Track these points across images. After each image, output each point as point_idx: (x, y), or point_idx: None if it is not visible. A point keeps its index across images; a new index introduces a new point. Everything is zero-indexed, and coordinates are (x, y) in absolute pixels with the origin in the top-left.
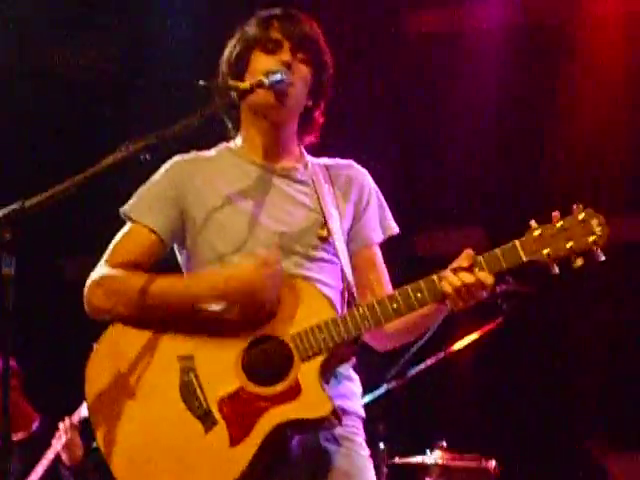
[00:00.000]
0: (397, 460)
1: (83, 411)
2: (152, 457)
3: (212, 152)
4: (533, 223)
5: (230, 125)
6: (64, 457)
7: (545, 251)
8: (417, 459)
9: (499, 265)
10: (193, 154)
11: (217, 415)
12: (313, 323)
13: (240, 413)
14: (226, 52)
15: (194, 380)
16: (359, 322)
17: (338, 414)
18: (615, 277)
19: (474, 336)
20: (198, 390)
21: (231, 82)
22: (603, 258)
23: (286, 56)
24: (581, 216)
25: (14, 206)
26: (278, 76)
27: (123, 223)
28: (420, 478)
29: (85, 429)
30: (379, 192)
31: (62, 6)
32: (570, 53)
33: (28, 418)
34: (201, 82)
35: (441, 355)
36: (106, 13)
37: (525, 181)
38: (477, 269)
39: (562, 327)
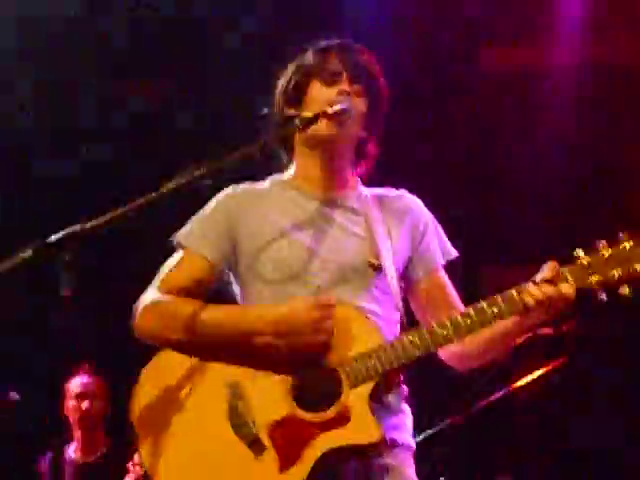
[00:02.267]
0: None
1: None
2: (197, 478)
3: (265, 184)
4: (580, 252)
5: (284, 157)
6: None
7: (593, 279)
8: None
9: None
10: (246, 185)
11: (266, 441)
12: (362, 350)
13: (289, 439)
14: (281, 82)
15: (243, 406)
16: (408, 349)
17: (387, 441)
18: None
19: (538, 373)
20: (247, 416)
21: (292, 111)
22: None
23: (345, 86)
24: (628, 245)
25: (75, 227)
26: (343, 106)
27: (170, 251)
28: None
29: None
30: (433, 217)
31: None
32: None
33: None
34: (265, 110)
35: (504, 391)
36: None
37: (597, 223)
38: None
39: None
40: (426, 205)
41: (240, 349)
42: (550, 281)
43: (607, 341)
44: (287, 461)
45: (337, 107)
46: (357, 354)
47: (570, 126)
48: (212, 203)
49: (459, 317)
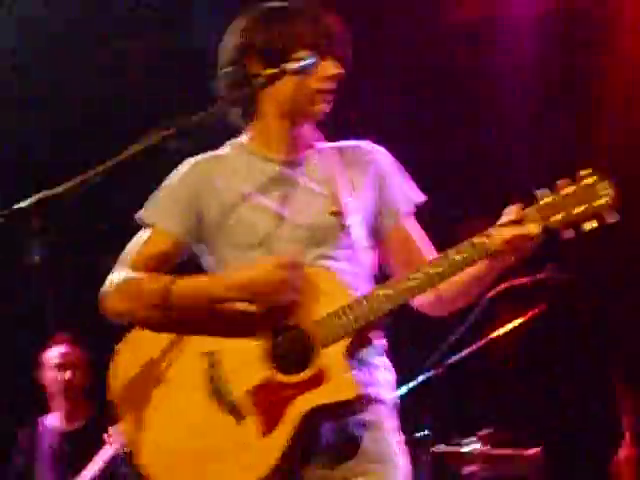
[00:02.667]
0: (441, 448)
1: None
2: (180, 448)
3: (225, 150)
4: (539, 193)
5: (245, 118)
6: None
7: (555, 218)
8: (459, 447)
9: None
10: (207, 155)
11: (246, 407)
12: (334, 309)
13: (269, 403)
14: (263, 37)
15: (220, 374)
16: (381, 302)
17: (365, 397)
18: None
19: (515, 323)
20: (225, 383)
21: (258, 70)
22: (615, 219)
23: (336, 65)
24: (588, 181)
25: (41, 194)
26: (306, 61)
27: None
28: (463, 466)
29: None
30: (397, 164)
31: None
32: (609, 42)
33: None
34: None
35: (480, 342)
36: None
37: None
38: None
39: (605, 313)
40: (394, 156)
41: (212, 319)
42: (515, 222)
43: (583, 289)
44: (269, 424)
45: (302, 63)
46: (329, 312)
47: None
48: (174, 176)
49: (429, 267)
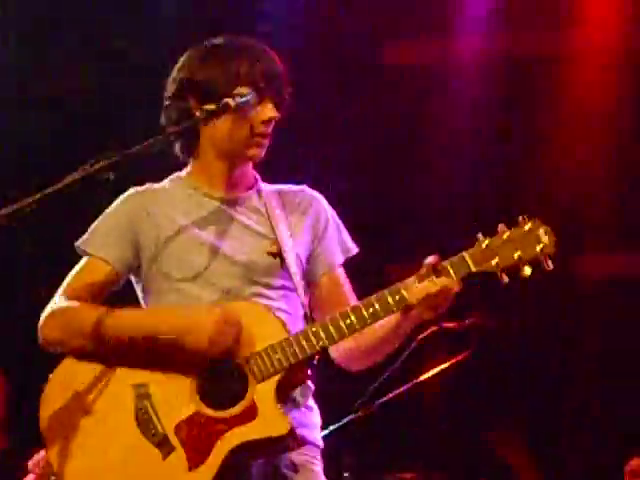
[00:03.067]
0: None
1: None
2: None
3: (165, 183)
4: (480, 236)
5: (185, 153)
6: None
7: (493, 261)
8: None
9: (448, 277)
10: (147, 186)
11: (174, 441)
12: (267, 345)
13: (197, 437)
14: (203, 75)
15: (149, 407)
16: (312, 341)
17: (296, 435)
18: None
19: (442, 367)
20: (154, 416)
21: (198, 104)
22: (551, 267)
23: (272, 110)
24: (527, 226)
25: None
26: (244, 98)
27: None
28: None
29: None
30: (335, 214)
31: None
32: (552, 86)
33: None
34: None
35: (408, 385)
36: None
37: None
38: (437, 277)
39: (531, 359)
40: (330, 203)
41: (146, 352)
42: (433, 273)
43: (511, 333)
44: (196, 460)
45: (240, 99)
46: (262, 349)
47: (477, 122)
48: (113, 206)
49: (354, 311)
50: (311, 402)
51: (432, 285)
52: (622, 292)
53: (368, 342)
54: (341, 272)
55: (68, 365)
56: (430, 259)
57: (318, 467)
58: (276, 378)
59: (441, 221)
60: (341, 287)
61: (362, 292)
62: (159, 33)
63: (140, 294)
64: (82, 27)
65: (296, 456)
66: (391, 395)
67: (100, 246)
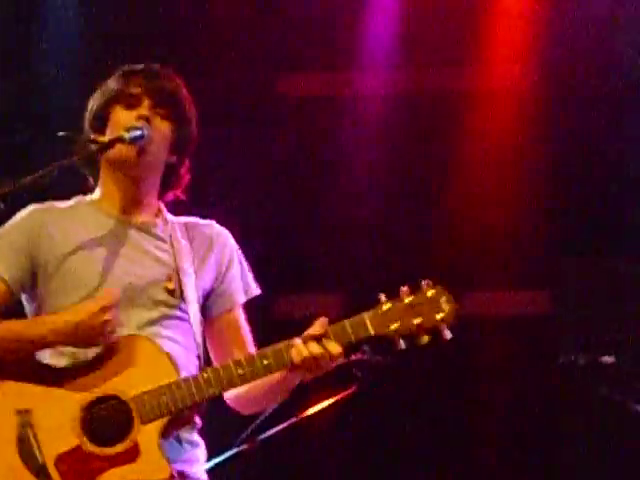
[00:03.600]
0: None
1: None
2: None
3: (69, 203)
4: (382, 297)
5: (90, 178)
6: None
7: (393, 326)
8: None
9: (347, 337)
10: (48, 204)
11: (53, 472)
12: (156, 385)
13: (77, 472)
14: (89, 105)
15: (31, 435)
16: (203, 387)
17: (179, 473)
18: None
19: (328, 402)
20: (35, 445)
21: (92, 136)
22: (450, 336)
23: (144, 111)
24: (430, 293)
25: None
26: (139, 132)
27: None
28: None
29: None
30: (240, 253)
31: None
32: (457, 122)
33: None
34: (60, 133)
35: (293, 419)
36: None
37: (401, 250)
38: (325, 340)
39: (419, 399)
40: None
41: (29, 369)
42: (317, 338)
43: (397, 369)
44: None
45: (133, 133)
46: (151, 389)
47: (376, 155)
48: (13, 220)
49: (246, 363)
50: (196, 437)
51: (316, 348)
52: (511, 330)
53: (257, 392)
54: (240, 313)
55: None
56: (319, 321)
57: None
58: (162, 421)
59: (344, 252)
60: (239, 328)
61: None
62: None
63: (31, 313)
64: None
65: None
66: (275, 430)
67: None
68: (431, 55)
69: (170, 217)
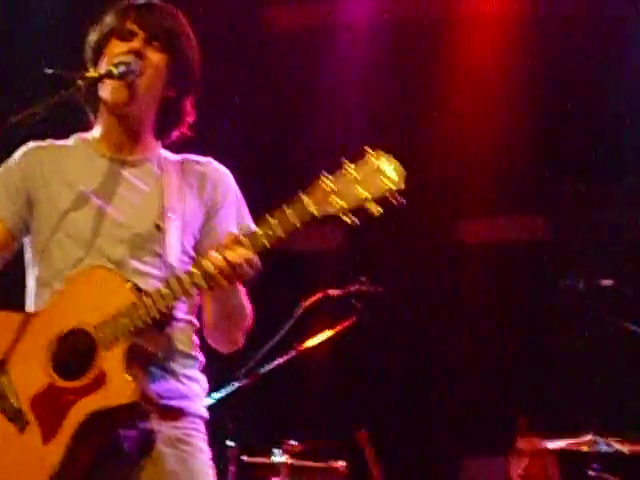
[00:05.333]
0: (245, 459)
1: None
2: None
3: (68, 141)
4: (322, 175)
5: (92, 115)
6: None
7: (338, 204)
8: (265, 458)
9: (293, 224)
10: (47, 142)
11: (29, 415)
12: (116, 311)
13: (50, 410)
14: (87, 40)
15: (6, 382)
16: (156, 302)
17: (151, 399)
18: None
19: (327, 334)
20: (9, 391)
21: (84, 72)
22: (402, 201)
23: (137, 44)
24: (375, 162)
25: None
26: (127, 67)
27: None
28: (269, 477)
29: None
30: (238, 191)
31: None
32: (441, 51)
33: None
34: (48, 70)
35: (293, 353)
36: None
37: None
38: (237, 246)
39: (413, 327)
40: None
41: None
42: (226, 247)
43: (395, 299)
44: (49, 432)
45: (122, 68)
46: (111, 315)
47: (361, 84)
48: (11, 160)
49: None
50: (193, 372)
51: (224, 255)
52: (500, 256)
53: (213, 316)
54: None
55: None
56: (229, 233)
57: (198, 439)
58: (125, 343)
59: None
60: None
61: None
62: None
63: (28, 251)
64: None
65: (173, 430)
66: (276, 363)
67: None
68: None
69: (166, 154)
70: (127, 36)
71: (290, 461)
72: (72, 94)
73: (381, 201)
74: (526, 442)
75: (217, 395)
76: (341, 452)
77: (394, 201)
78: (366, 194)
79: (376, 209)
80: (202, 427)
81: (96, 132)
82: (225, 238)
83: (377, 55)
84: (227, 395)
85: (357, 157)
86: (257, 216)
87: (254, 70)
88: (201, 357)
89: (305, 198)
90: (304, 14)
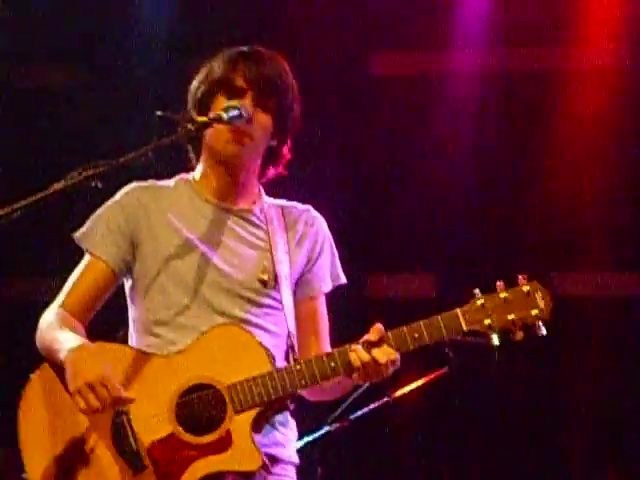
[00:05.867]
0: None
1: None
2: None
3: (170, 182)
4: (477, 292)
5: (193, 157)
6: None
7: (487, 322)
8: None
9: (440, 333)
10: (150, 182)
11: (146, 459)
12: (250, 375)
13: (169, 460)
14: (192, 86)
15: (126, 423)
16: (295, 378)
17: (267, 467)
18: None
19: (418, 383)
20: (129, 433)
21: (192, 115)
22: (544, 333)
23: (247, 105)
24: (526, 288)
25: None
26: (236, 112)
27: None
28: None
29: None
30: (332, 240)
31: None
32: (552, 102)
33: None
34: (159, 113)
35: (385, 400)
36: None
37: (492, 234)
38: (383, 345)
39: (509, 381)
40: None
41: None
42: (374, 344)
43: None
44: None
45: (231, 113)
46: (245, 378)
47: (470, 134)
48: (113, 200)
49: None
50: (289, 419)
51: (366, 356)
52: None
53: (332, 382)
54: (322, 301)
55: (45, 373)
56: (374, 328)
57: None
58: (254, 411)
59: (438, 233)
60: (319, 317)
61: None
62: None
63: (128, 292)
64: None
65: (267, 477)
66: (366, 409)
67: (98, 244)
68: (525, 34)
69: (267, 200)
70: (236, 94)
71: None
72: (182, 137)
73: (526, 329)
74: None
75: (308, 438)
76: None
77: (539, 331)
78: (514, 319)
79: (520, 335)
80: (293, 473)
81: (197, 174)
82: (372, 332)
83: (485, 105)
84: (318, 439)
85: (512, 281)
86: (350, 267)
87: (361, 117)
88: (292, 405)
89: (459, 313)
90: (414, 61)
